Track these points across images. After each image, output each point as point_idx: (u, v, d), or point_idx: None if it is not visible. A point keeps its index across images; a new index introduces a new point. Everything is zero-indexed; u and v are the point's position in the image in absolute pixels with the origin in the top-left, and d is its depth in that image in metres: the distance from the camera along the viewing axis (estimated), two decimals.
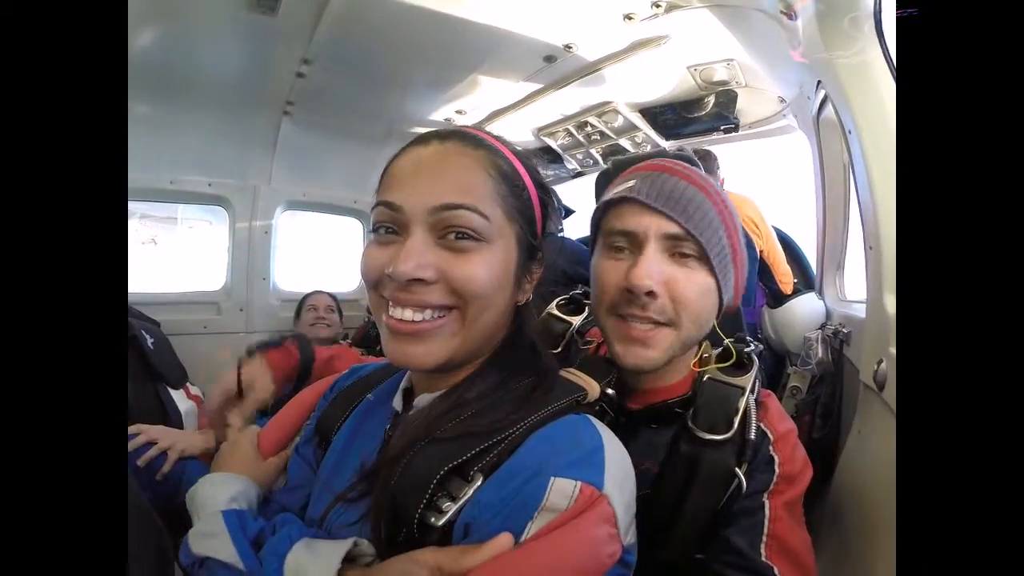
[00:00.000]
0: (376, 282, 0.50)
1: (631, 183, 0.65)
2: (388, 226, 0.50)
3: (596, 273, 0.67)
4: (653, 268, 0.61)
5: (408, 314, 0.48)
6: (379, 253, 0.49)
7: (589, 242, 0.73)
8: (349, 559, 0.44)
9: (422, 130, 0.56)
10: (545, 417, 0.49)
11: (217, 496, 0.56)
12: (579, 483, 0.43)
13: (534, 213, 0.54)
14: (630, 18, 1.21)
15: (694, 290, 0.62)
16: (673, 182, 0.63)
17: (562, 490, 0.43)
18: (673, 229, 0.62)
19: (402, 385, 0.60)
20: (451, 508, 0.44)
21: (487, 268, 0.49)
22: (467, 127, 0.56)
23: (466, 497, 0.45)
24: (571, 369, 0.59)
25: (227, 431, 0.79)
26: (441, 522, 0.44)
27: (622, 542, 0.45)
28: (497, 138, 0.55)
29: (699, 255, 0.62)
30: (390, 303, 0.49)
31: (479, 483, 0.45)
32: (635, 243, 0.63)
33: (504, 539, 0.42)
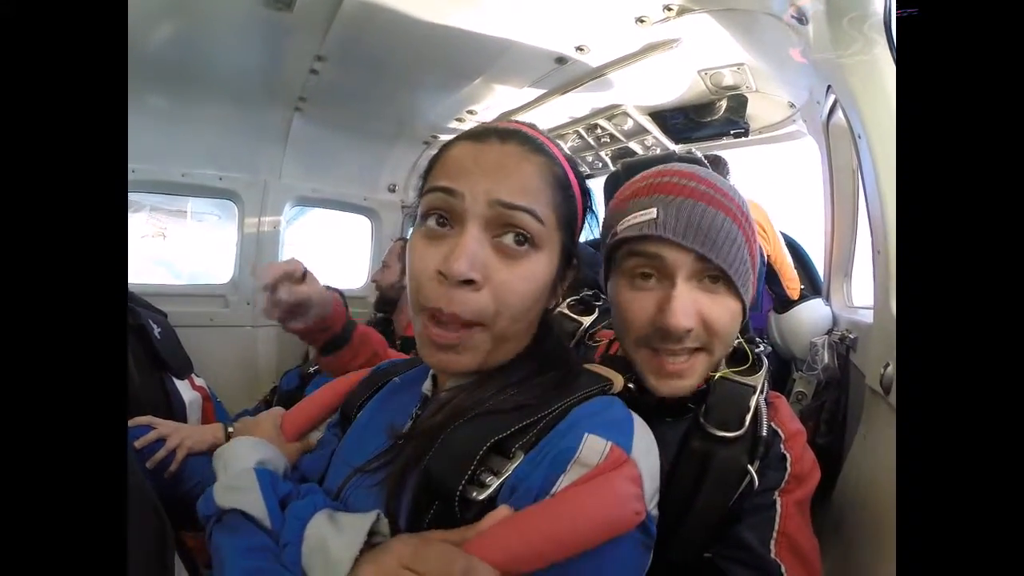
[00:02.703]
0: (418, 287, 0.49)
1: (651, 213, 0.59)
2: (442, 215, 0.49)
3: (620, 304, 0.63)
4: (688, 306, 0.59)
5: (449, 334, 0.48)
6: (428, 252, 0.49)
7: (603, 260, 0.72)
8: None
9: (432, 130, 0.56)
10: (578, 400, 0.50)
11: (249, 456, 0.55)
12: (610, 443, 0.45)
13: (577, 220, 0.55)
14: (642, 21, 1.21)
15: (726, 317, 0.61)
16: (700, 211, 0.59)
17: (594, 446, 0.45)
18: (703, 265, 0.59)
19: (432, 372, 0.60)
20: (494, 483, 0.45)
21: (530, 280, 0.50)
22: (523, 126, 0.54)
23: (508, 473, 0.45)
24: (592, 365, 0.59)
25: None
26: (483, 496, 0.45)
27: (647, 506, 0.46)
28: (552, 140, 0.55)
29: (725, 279, 0.60)
30: (429, 310, 0.49)
31: (519, 460, 0.46)
32: (663, 273, 0.60)
33: (502, 510, 0.43)
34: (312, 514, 0.46)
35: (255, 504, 0.48)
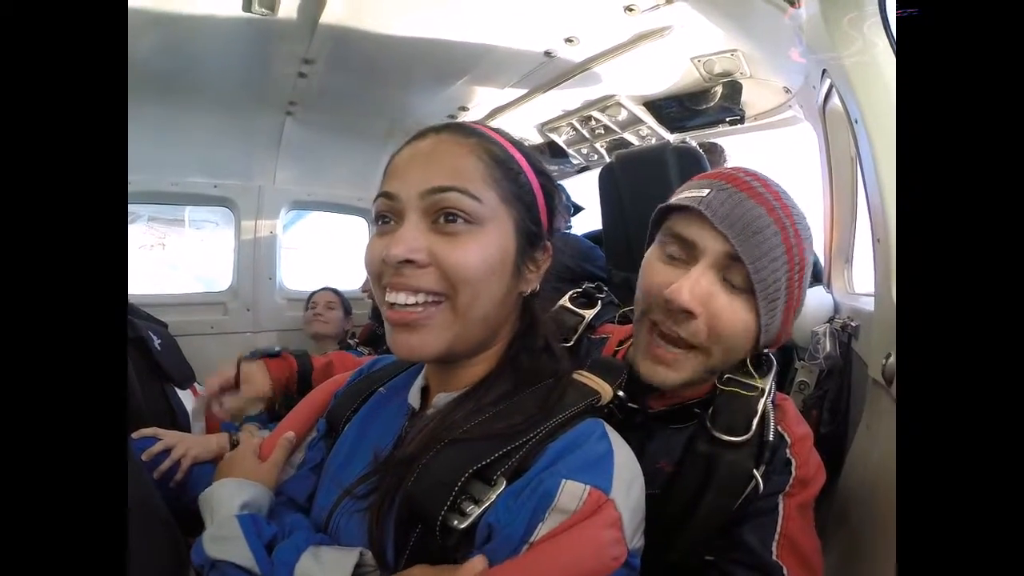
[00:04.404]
0: (378, 273, 0.51)
1: (704, 192, 0.61)
2: (386, 216, 0.52)
3: (643, 269, 0.65)
4: (698, 287, 0.58)
5: (401, 298, 0.49)
6: (377, 242, 0.51)
7: (599, 238, 0.72)
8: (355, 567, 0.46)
9: (424, 128, 0.57)
10: (562, 422, 0.49)
11: (232, 500, 0.56)
12: (588, 487, 0.45)
13: (534, 199, 0.55)
14: (631, 10, 1.19)
15: (734, 322, 0.60)
16: (747, 205, 0.59)
17: (572, 492, 0.44)
18: (730, 252, 0.58)
19: (419, 383, 0.60)
20: (474, 511, 0.45)
21: (479, 252, 0.50)
22: (464, 122, 0.57)
23: (489, 501, 0.45)
24: (583, 371, 0.58)
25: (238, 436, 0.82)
26: (464, 525, 0.44)
27: (627, 546, 0.45)
28: (495, 129, 0.56)
29: (747, 287, 0.59)
30: (387, 289, 0.50)
31: (502, 488, 0.46)
32: (690, 254, 0.61)
33: (478, 561, 0.43)
34: (296, 558, 0.47)
35: (242, 554, 0.49)
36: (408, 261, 0.48)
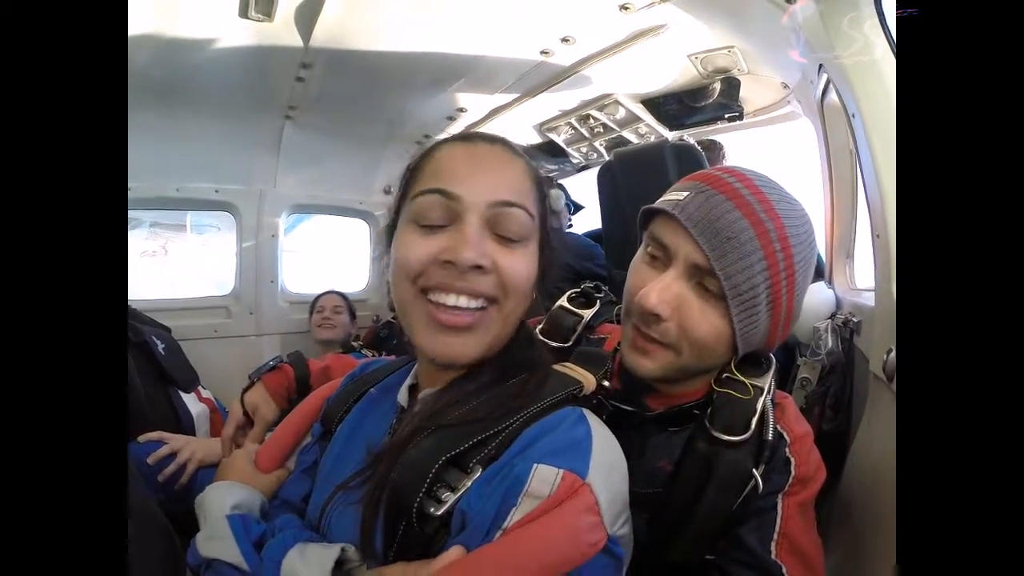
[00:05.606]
0: (420, 272, 0.51)
1: (683, 194, 0.61)
2: (437, 214, 0.51)
3: (629, 270, 0.66)
4: (667, 292, 0.59)
5: (463, 301, 0.50)
6: (426, 242, 0.51)
7: (601, 236, 0.73)
8: (338, 562, 0.46)
9: (423, 130, 0.58)
10: (541, 410, 0.50)
11: (223, 502, 0.59)
12: (561, 471, 0.44)
13: (548, 219, 0.58)
14: (626, 8, 1.19)
15: (704, 327, 0.59)
16: (723, 209, 0.58)
17: (544, 476, 0.44)
18: (701, 260, 0.58)
19: (408, 381, 0.61)
20: (450, 498, 0.45)
21: (527, 264, 0.53)
22: (506, 139, 0.58)
23: (465, 488, 0.46)
24: (566, 363, 0.59)
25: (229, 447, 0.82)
26: (439, 512, 0.45)
27: (607, 531, 0.45)
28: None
29: (720, 294, 0.58)
30: (435, 291, 0.51)
31: (478, 475, 0.46)
32: (667, 258, 0.61)
33: (455, 551, 0.43)
34: (283, 554, 0.48)
35: (231, 552, 0.51)
36: (477, 267, 0.49)
